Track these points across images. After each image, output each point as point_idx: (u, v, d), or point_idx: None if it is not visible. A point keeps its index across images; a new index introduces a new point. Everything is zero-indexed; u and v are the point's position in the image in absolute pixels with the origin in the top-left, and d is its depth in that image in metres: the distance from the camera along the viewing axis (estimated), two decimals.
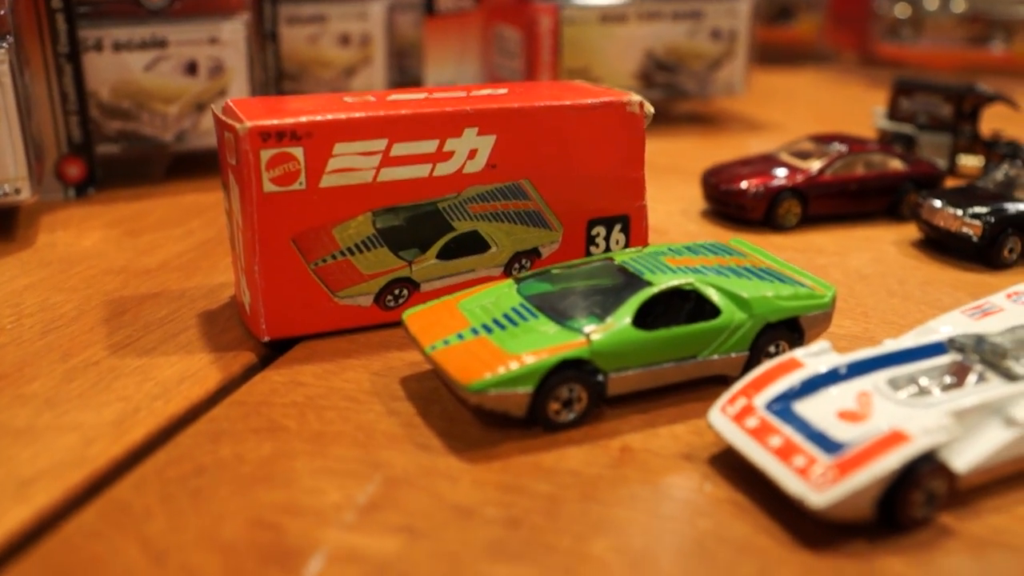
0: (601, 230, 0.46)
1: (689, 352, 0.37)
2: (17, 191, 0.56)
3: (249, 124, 0.38)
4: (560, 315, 0.36)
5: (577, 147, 0.45)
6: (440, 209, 0.43)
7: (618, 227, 0.47)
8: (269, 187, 0.39)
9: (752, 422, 0.33)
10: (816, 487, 0.29)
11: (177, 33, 0.66)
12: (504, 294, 0.39)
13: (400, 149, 0.41)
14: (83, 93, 0.63)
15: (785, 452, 0.31)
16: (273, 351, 0.42)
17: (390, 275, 0.43)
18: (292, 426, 0.36)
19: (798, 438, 0.31)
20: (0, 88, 0.54)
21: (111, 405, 0.37)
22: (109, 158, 0.67)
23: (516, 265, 0.45)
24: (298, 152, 0.39)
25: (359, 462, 0.33)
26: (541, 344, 0.35)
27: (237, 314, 0.46)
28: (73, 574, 0.28)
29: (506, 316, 0.37)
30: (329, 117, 0.40)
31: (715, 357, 0.37)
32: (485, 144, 0.43)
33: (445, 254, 0.44)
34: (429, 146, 0.42)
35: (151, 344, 0.43)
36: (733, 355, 0.38)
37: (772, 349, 0.38)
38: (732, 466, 0.33)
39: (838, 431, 0.31)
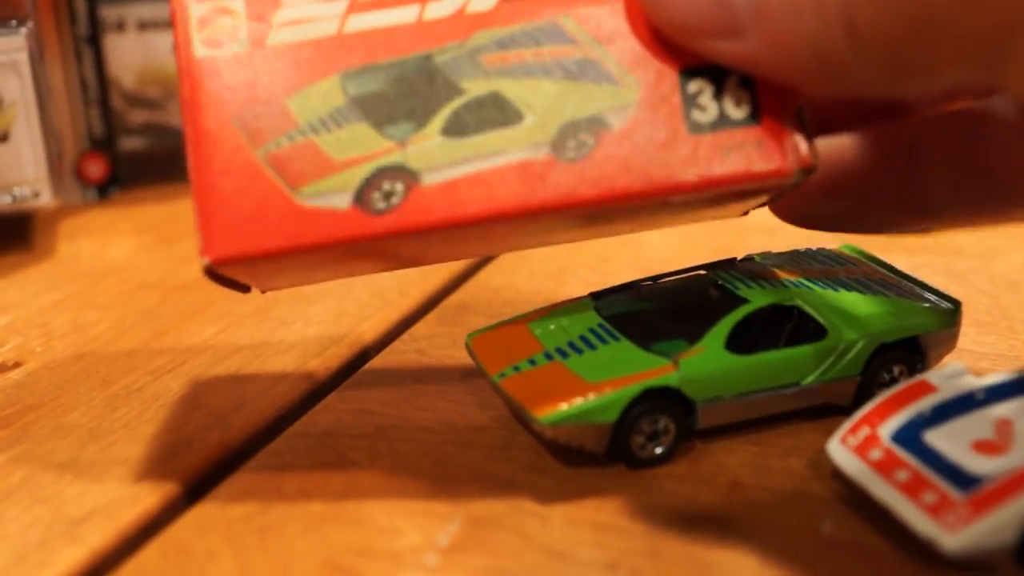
0: (705, 86, 0.37)
1: (791, 378, 0.40)
2: (36, 195, 0.61)
3: None
4: (644, 338, 0.40)
5: None
6: (438, 64, 0.37)
7: (735, 79, 0.36)
8: (201, 51, 0.36)
9: (876, 454, 0.36)
10: (948, 527, 0.32)
11: None
12: (581, 313, 0.42)
13: None
14: (104, 80, 0.68)
15: (913, 487, 0.34)
16: (337, 376, 0.46)
17: (374, 161, 0.36)
18: (362, 460, 0.40)
19: (928, 472, 0.34)
20: (19, 80, 0.59)
21: (160, 437, 0.42)
22: (134, 154, 0.71)
23: (572, 142, 0.36)
24: (237, 4, 0.37)
25: (438, 500, 0.37)
26: (623, 371, 0.38)
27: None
28: None
29: (583, 339, 0.40)
30: None
31: (821, 384, 0.40)
32: None
33: (455, 129, 0.36)
34: None
35: (198, 368, 0.47)
36: (842, 381, 0.40)
37: (887, 375, 0.41)
38: (855, 504, 0.36)
39: (974, 464, 0.34)
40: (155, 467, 0.40)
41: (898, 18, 0.30)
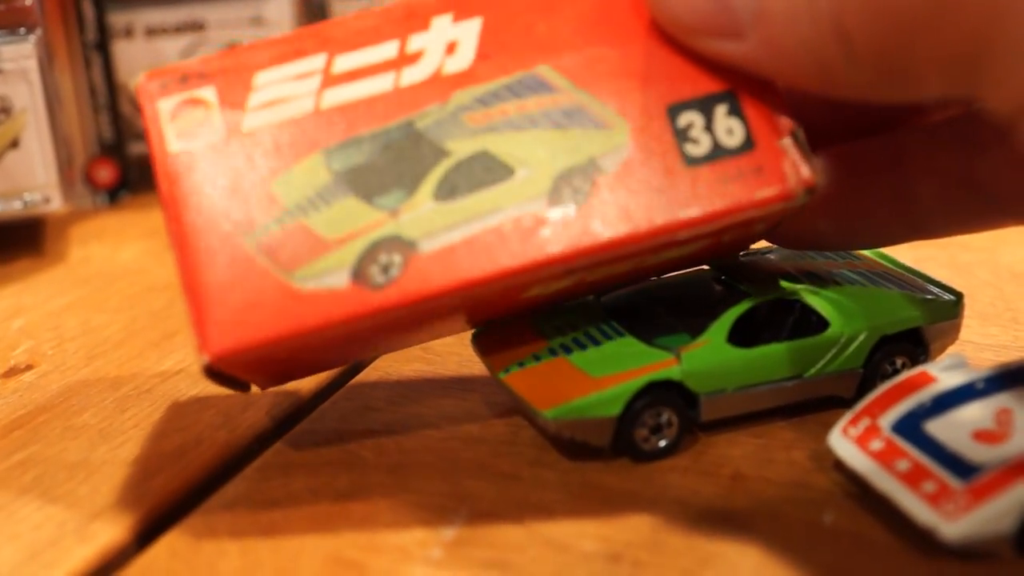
0: (694, 119, 0.36)
1: (794, 371, 0.40)
2: (47, 200, 0.61)
3: (143, 74, 0.37)
4: (647, 332, 0.40)
5: None
6: (421, 129, 0.36)
7: (722, 109, 0.36)
8: (176, 145, 0.36)
9: (877, 444, 0.36)
10: (948, 516, 0.33)
11: (216, 13, 0.71)
12: (584, 309, 0.42)
13: (346, 62, 0.37)
14: (113, 86, 0.69)
15: (913, 477, 0.34)
16: (344, 374, 0.47)
17: (368, 235, 0.35)
18: (368, 456, 0.40)
19: (928, 461, 0.35)
20: (29, 87, 0.59)
21: (169, 436, 0.42)
22: (143, 158, 0.72)
23: (568, 191, 0.36)
24: (208, 94, 0.36)
25: (443, 494, 0.38)
26: (626, 365, 0.38)
27: None
28: None
29: (587, 334, 0.40)
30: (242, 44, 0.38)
31: (824, 376, 0.40)
32: (467, 32, 0.37)
33: (446, 192, 0.36)
34: (386, 51, 0.37)
35: None
36: (845, 373, 0.41)
37: (889, 367, 0.41)
38: (857, 495, 0.37)
39: (973, 453, 0.35)
40: (165, 466, 0.40)
41: (883, 27, 0.31)
